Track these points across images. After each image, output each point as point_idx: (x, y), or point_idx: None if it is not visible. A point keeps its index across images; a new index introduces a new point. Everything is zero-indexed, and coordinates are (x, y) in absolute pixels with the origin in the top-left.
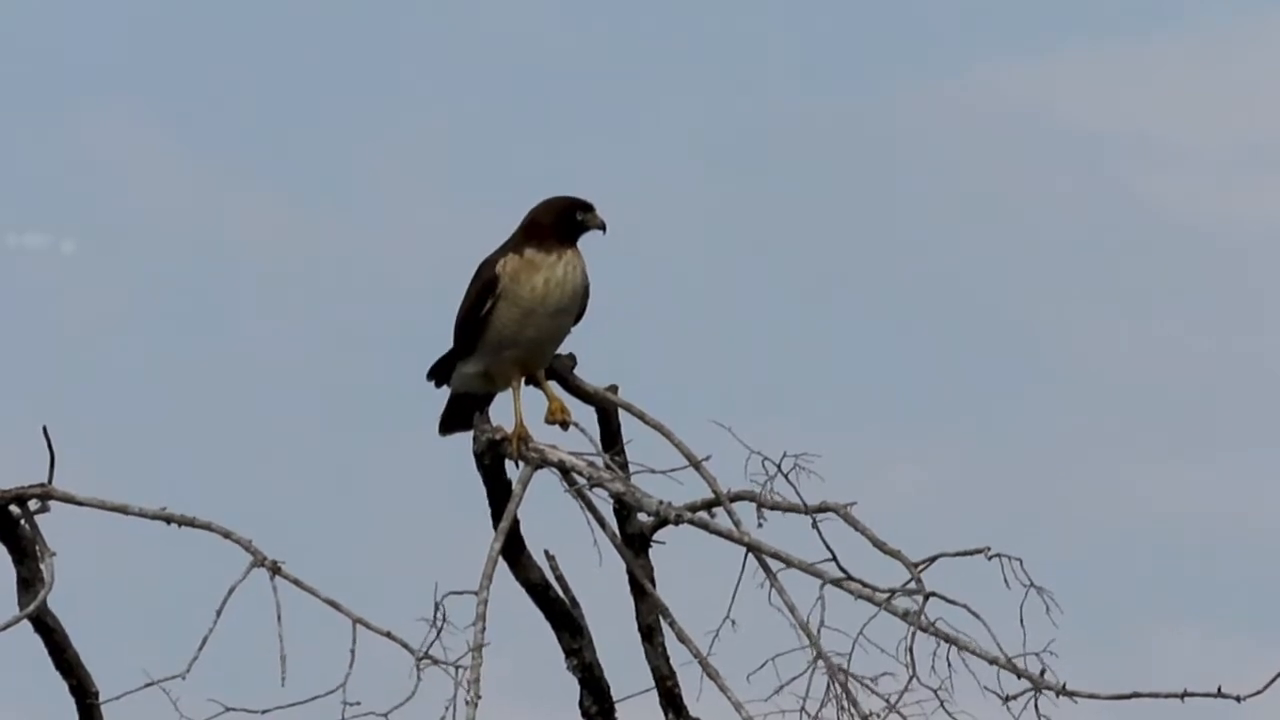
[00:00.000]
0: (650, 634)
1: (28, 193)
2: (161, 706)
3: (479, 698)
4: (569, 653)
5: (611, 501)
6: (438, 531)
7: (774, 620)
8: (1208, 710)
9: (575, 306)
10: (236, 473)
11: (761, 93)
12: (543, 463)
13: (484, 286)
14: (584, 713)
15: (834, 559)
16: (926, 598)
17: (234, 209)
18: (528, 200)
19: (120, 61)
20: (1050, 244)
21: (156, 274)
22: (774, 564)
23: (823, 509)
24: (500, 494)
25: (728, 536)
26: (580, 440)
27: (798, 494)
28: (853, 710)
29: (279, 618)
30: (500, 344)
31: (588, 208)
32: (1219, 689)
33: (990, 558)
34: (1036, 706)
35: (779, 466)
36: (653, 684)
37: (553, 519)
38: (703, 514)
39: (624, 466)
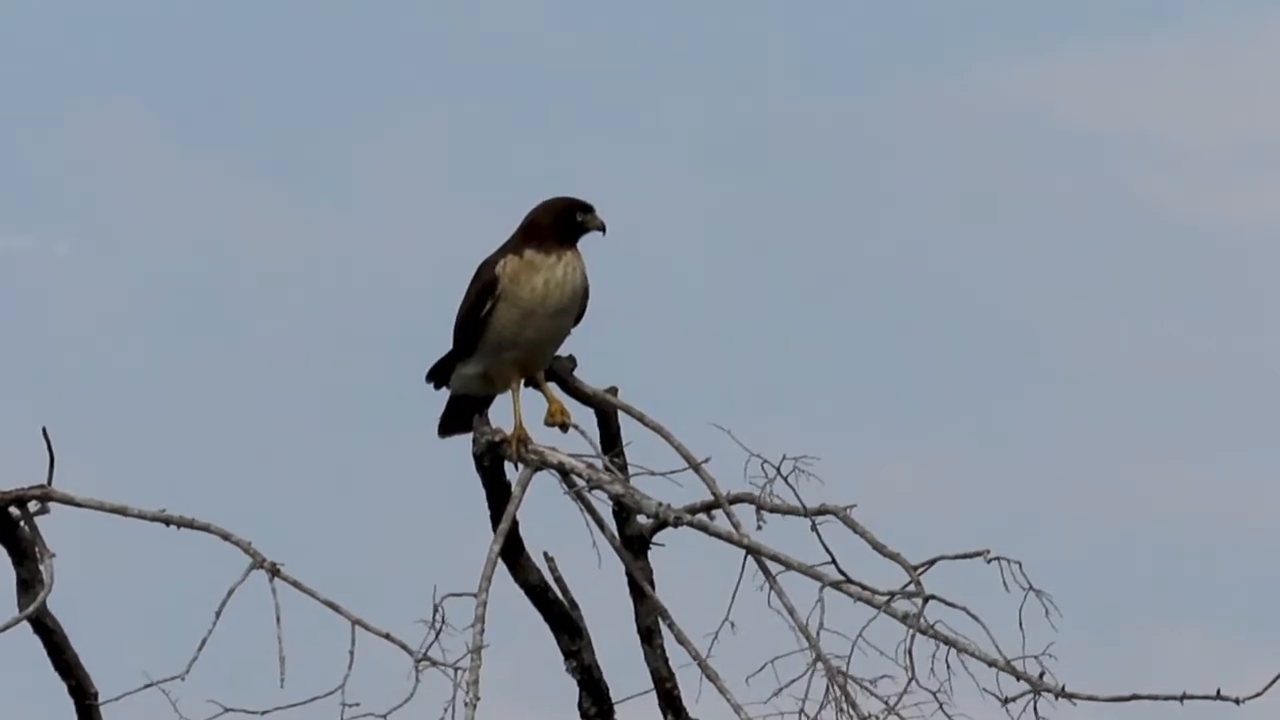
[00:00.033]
0: (649, 636)
1: (28, 193)
2: (161, 707)
3: (478, 699)
4: (568, 654)
5: (611, 503)
6: (437, 533)
7: (773, 622)
8: (1207, 712)
9: (575, 308)
10: (236, 474)
11: (761, 93)
12: (542, 465)
13: (484, 288)
14: (583, 714)
15: (833, 562)
16: (926, 600)
17: (234, 209)
18: (528, 200)
19: (120, 61)
20: (1050, 244)
21: (156, 274)
22: (773, 566)
23: (822, 511)
24: (499, 496)
25: (727, 539)
26: (580, 442)
27: (797, 497)
28: (852, 712)
29: (278, 619)
30: (500, 345)
31: (587, 209)
32: (1218, 691)
33: (990, 560)
34: (1035, 709)
35: (778, 470)
36: (652, 686)
37: (552, 521)
38: (702, 516)
39: (623, 468)
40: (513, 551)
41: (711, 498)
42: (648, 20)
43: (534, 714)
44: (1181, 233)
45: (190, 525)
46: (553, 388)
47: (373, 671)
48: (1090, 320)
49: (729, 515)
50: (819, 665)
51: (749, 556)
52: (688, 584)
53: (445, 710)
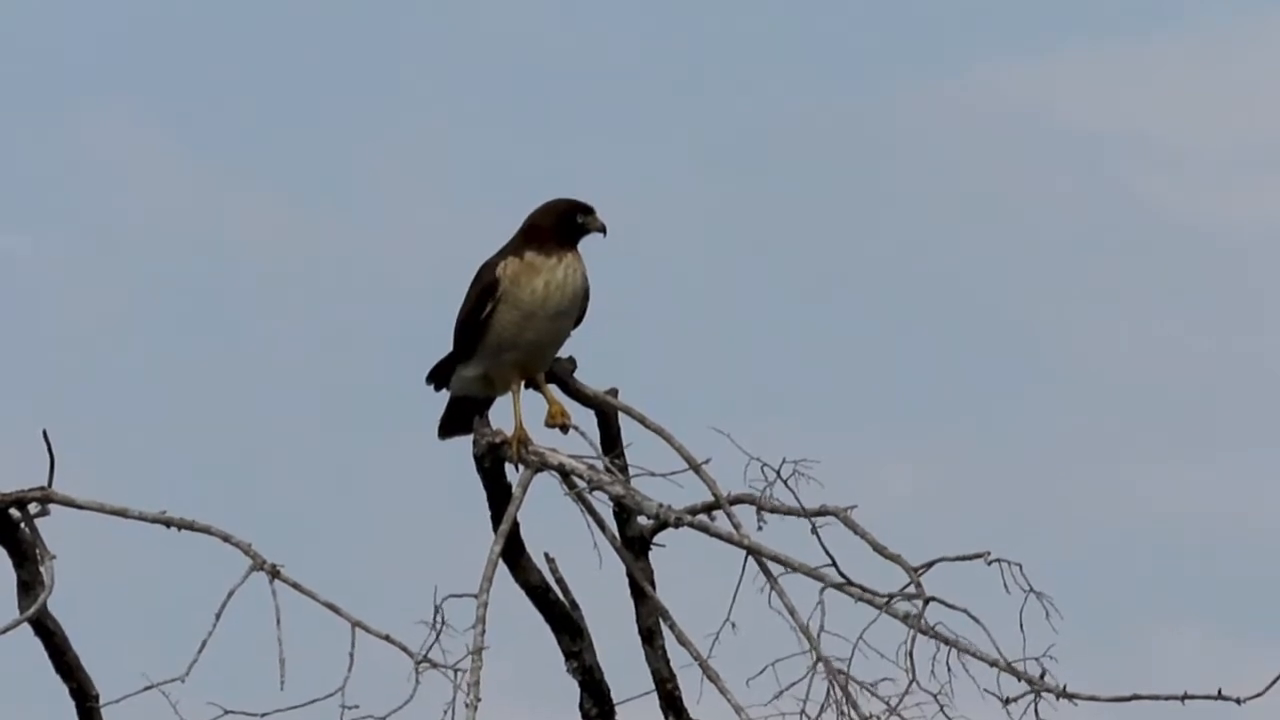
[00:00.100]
0: (650, 636)
1: (28, 192)
2: (161, 709)
3: (479, 700)
4: (569, 655)
5: (611, 504)
6: (437, 534)
7: (774, 623)
8: (1208, 712)
9: (575, 309)
10: (236, 475)
11: (761, 93)
12: (543, 466)
13: (484, 289)
14: (584, 715)
15: (834, 564)
16: (926, 602)
17: (234, 209)
18: (528, 200)
19: (120, 61)
20: (1050, 244)
21: (156, 274)
22: (774, 567)
23: (822, 512)
24: (500, 497)
25: (728, 539)
26: (580, 443)
27: (797, 499)
28: (853, 714)
29: (278, 621)
30: (500, 347)
31: (588, 210)
32: (1219, 691)
33: (990, 562)
34: (1036, 709)
35: (778, 473)
36: (653, 686)
37: (553, 522)
38: (703, 517)
39: (624, 469)
40: (513, 552)
41: (712, 499)
42: (648, 20)
43: (535, 715)
44: (1181, 233)
45: (191, 527)
46: (553, 389)
47: (373, 673)
48: (1090, 320)
49: (730, 516)
50: (820, 666)
51: (750, 557)
52: (689, 585)
53: (445, 712)
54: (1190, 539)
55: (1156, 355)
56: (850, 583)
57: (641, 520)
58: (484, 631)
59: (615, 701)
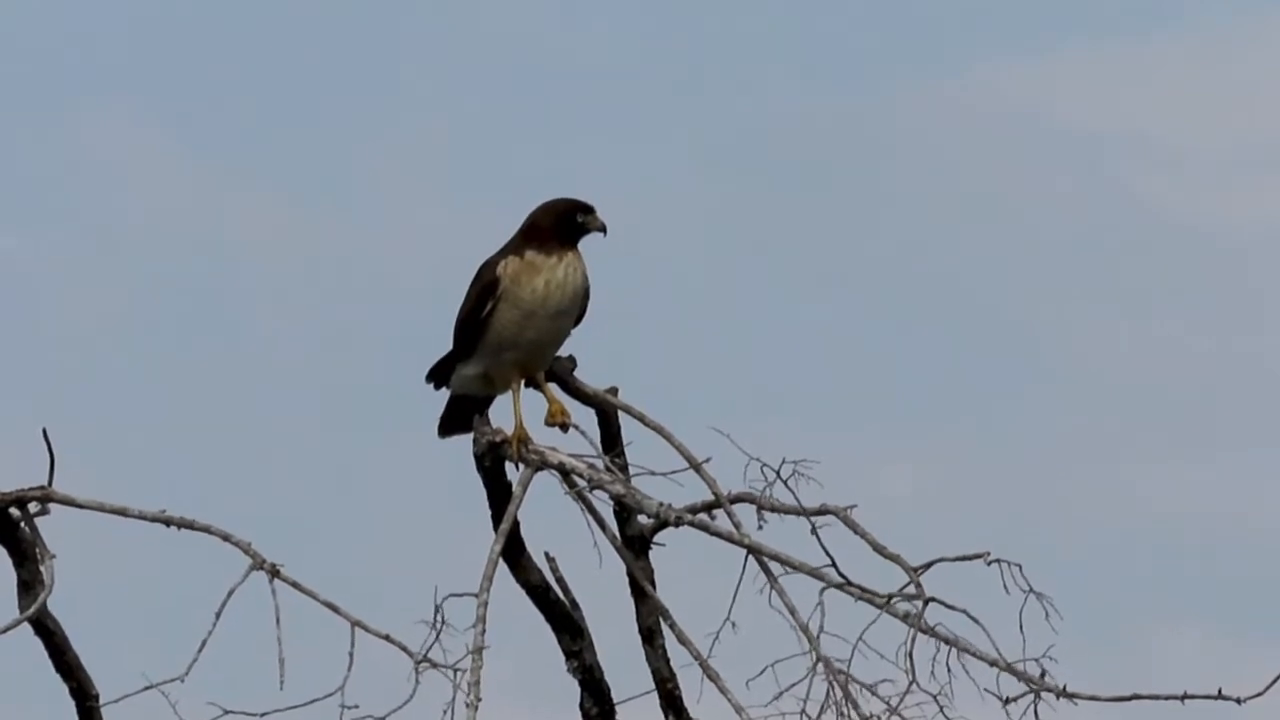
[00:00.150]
0: (650, 636)
1: (28, 193)
2: (161, 709)
3: (479, 700)
4: (569, 655)
5: (612, 503)
6: (437, 534)
7: (774, 622)
8: (1208, 712)
9: (576, 308)
10: (236, 474)
11: (761, 93)
12: (543, 465)
13: (484, 288)
14: (584, 714)
15: (833, 565)
16: (926, 602)
17: (234, 209)
18: (528, 200)
19: (120, 61)
20: (1050, 244)
21: (156, 274)
22: (774, 567)
23: (822, 512)
24: (500, 496)
25: (728, 538)
26: (580, 442)
27: (797, 500)
28: (853, 714)
29: (278, 620)
30: (500, 346)
31: (588, 210)
32: (1219, 691)
33: (990, 563)
34: (1036, 710)
35: (778, 473)
36: (653, 686)
37: (553, 521)
38: (703, 516)
39: (624, 468)
40: (514, 552)
41: (712, 498)
42: (648, 20)
43: (535, 714)
44: (1181, 233)
45: (190, 526)
46: (553, 388)
47: (373, 673)
48: (1090, 320)
49: (730, 515)
50: (820, 666)
51: (750, 557)
52: (689, 584)
53: (445, 712)
54: (1190, 539)
55: (1156, 355)
56: (850, 583)
57: (642, 519)
58: (484, 631)
59: (615, 701)
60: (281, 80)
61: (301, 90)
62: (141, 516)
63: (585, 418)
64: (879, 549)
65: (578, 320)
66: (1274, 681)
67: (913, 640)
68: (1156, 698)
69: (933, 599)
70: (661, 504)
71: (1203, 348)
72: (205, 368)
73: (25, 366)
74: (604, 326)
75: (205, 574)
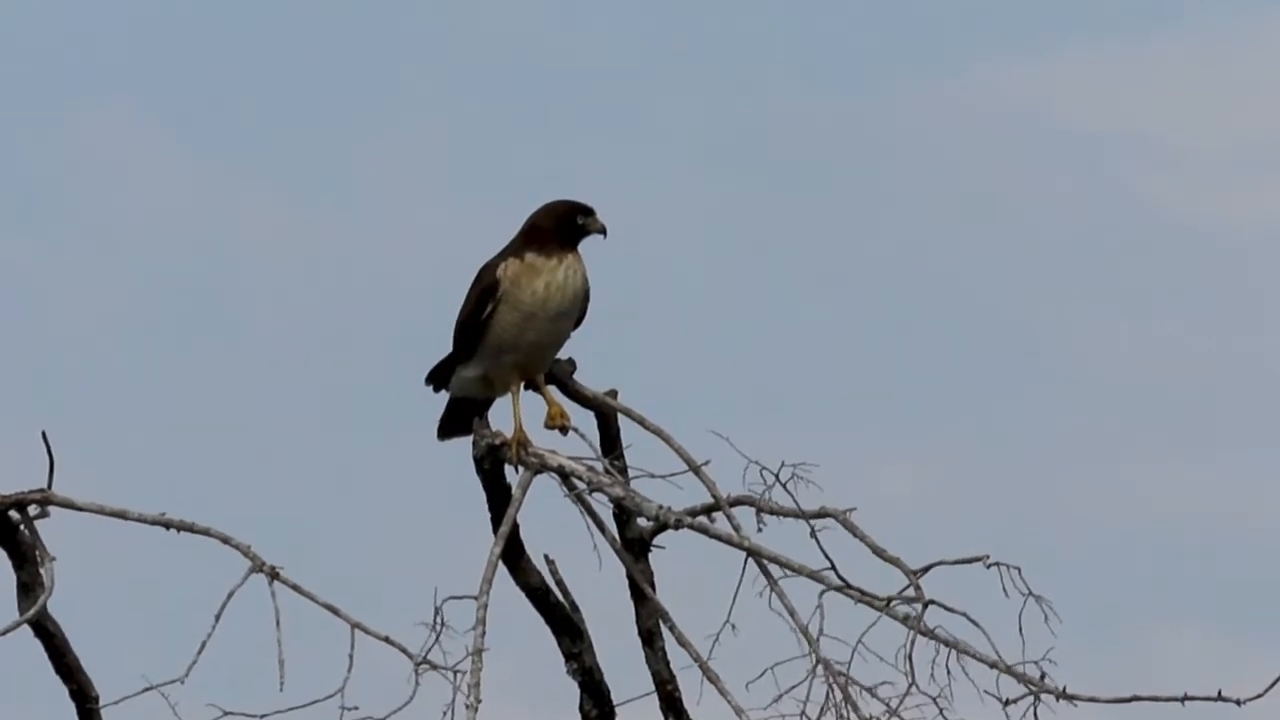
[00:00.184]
0: (650, 638)
1: (28, 193)
2: (161, 710)
3: (479, 701)
4: (569, 657)
5: (611, 506)
6: (437, 536)
7: (774, 624)
8: (1208, 713)
9: (575, 311)
10: (236, 476)
11: (761, 93)
12: (542, 467)
13: (484, 291)
14: (584, 717)
15: (833, 567)
16: (925, 605)
17: (234, 209)
18: (528, 201)
19: (120, 61)
20: (1050, 244)
21: (156, 274)
22: (774, 569)
23: (822, 514)
24: (500, 499)
25: (727, 541)
26: (580, 445)
27: (796, 503)
28: (853, 716)
29: (277, 622)
30: (500, 348)
31: (588, 212)
32: (1219, 693)
33: (989, 566)
34: (1036, 712)
35: (777, 476)
36: (653, 688)
37: (552, 523)
38: (702, 519)
39: (623, 471)
40: (513, 554)
41: (712, 500)
42: (648, 20)
43: (535, 716)
44: (1181, 233)
45: (190, 529)
46: (553, 390)
47: (372, 675)
48: (1090, 320)
49: (729, 518)
50: (820, 669)
51: (749, 559)
52: (688, 586)
53: (445, 713)
54: (1190, 539)
55: (1156, 355)
56: (850, 585)
57: (641, 522)
58: (484, 633)
59: (615, 703)
60: (281, 80)
61: (301, 90)
62: (141, 519)
63: (585, 420)
64: (878, 552)
65: (578, 322)
66: (1274, 683)
67: (912, 642)
68: (1156, 699)
69: (932, 601)
70: (661, 506)
71: (1203, 348)
72: (205, 368)
73: (25, 366)
74: (604, 329)
75: (205, 576)
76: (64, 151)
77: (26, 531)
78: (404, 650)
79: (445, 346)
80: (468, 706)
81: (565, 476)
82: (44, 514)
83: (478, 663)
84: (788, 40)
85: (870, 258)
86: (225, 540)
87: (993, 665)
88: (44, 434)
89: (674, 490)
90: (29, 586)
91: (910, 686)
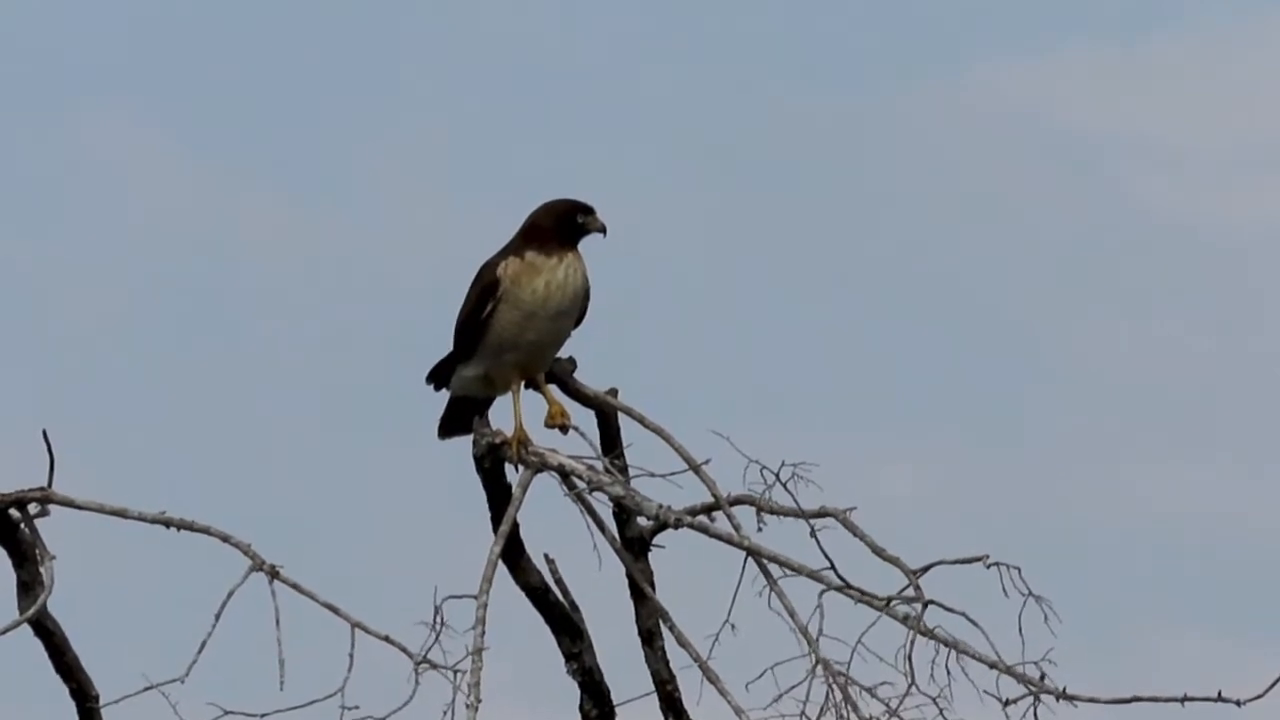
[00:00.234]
0: (650, 638)
1: (28, 193)
2: (161, 710)
3: (479, 701)
4: (569, 656)
5: (611, 505)
6: (437, 535)
7: (773, 624)
8: (1209, 713)
9: (576, 309)
10: (236, 475)
11: (761, 93)
12: (542, 466)
13: (485, 289)
14: (584, 716)
15: (833, 567)
16: (925, 605)
17: (234, 209)
18: (528, 200)
19: (120, 61)
20: (1050, 244)
21: (156, 274)
22: (774, 569)
23: (822, 514)
24: (500, 498)
25: (727, 540)
26: (580, 444)
27: (796, 502)
28: (852, 716)
29: (278, 621)
30: (501, 347)
31: (588, 210)
32: (1219, 693)
33: (989, 566)
34: (1036, 712)
35: (777, 475)
36: (653, 688)
37: (552, 523)
38: (702, 518)
39: (624, 470)
40: (513, 553)
41: (712, 499)
42: (648, 20)
43: (534, 716)
44: (1181, 233)
45: (190, 527)
46: (553, 389)
47: (372, 674)
48: (1090, 320)
49: (729, 517)
50: (820, 669)
51: (749, 559)
52: (688, 586)
53: (445, 713)
54: (1190, 539)
55: (1156, 355)
56: (849, 585)
57: (641, 521)
58: (484, 632)
59: (615, 703)
60: (281, 80)
61: (301, 90)
62: (141, 518)
63: (585, 419)
64: (878, 551)
65: (578, 321)
66: (1274, 684)
67: (912, 642)
68: (1156, 700)
69: (932, 601)
70: (661, 506)
71: (1203, 348)
72: (205, 368)
73: (25, 366)
74: (604, 328)
75: (205, 575)
76: (64, 151)
77: (26, 530)
78: (404, 650)
79: (445, 346)
80: (468, 706)
81: (565, 475)
82: (44, 512)
83: (478, 662)
84: (788, 40)
85: (870, 258)
86: (225, 539)
87: (992, 665)
88: (44, 432)
89: (674, 489)
90: (29, 585)
91: (910, 687)
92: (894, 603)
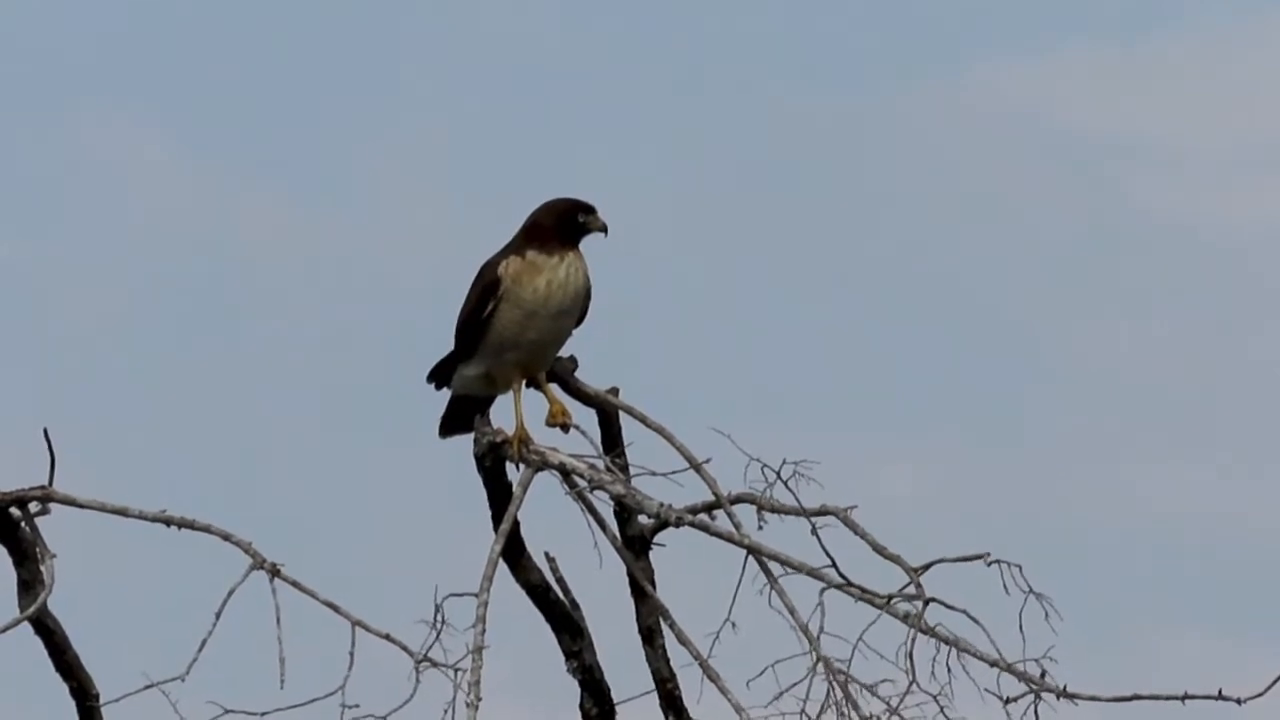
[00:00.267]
0: (651, 636)
1: (28, 193)
2: (161, 708)
3: (479, 699)
4: (569, 655)
5: (612, 504)
6: (438, 534)
7: (774, 623)
8: (1209, 712)
9: (577, 308)
10: (236, 474)
11: (761, 93)
12: (543, 465)
13: (486, 288)
14: (584, 715)
15: (833, 565)
16: (926, 603)
17: (234, 209)
18: (528, 200)
19: (120, 62)
20: (1050, 244)
21: (156, 274)
22: (774, 567)
23: (823, 512)
24: (501, 496)
25: (728, 539)
26: (581, 443)
27: (797, 500)
28: (853, 714)
29: (278, 620)
30: (502, 346)
31: (589, 210)
32: (1220, 691)
33: (990, 564)
34: (1036, 710)
35: (778, 474)
36: (653, 686)
37: (553, 521)
38: (703, 516)
39: (624, 469)
40: (514, 552)
41: (713, 498)
42: (648, 20)
43: (535, 714)
44: (1181, 233)
45: (191, 526)
46: (554, 388)
47: (373, 672)
48: (1090, 320)
49: (730, 516)
50: (820, 667)
51: (750, 557)
52: (689, 584)
53: (446, 711)
54: (1190, 539)
55: (1156, 355)
56: (850, 583)
57: (642, 519)
58: (484, 631)
59: (615, 701)
60: (281, 80)
61: (301, 90)
62: (142, 516)
63: (586, 418)
64: (879, 549)
65: (579, 320)
66: (1274, 682)
67: (913, 640)
68: (1157, 698)
69: (933, 599)
70: (662, 504)
71: (1203, 348)
72: (205, 368)
73: (25, 366)
74: (605, 326)
75: (205, 573)
76: (64, 152)
77: (27, 528)
78: (404, 648)
79: (446, 346)
80: (468, 704)
81: (566, 474)
82: (45, 511)
83: (478, 660)
84: (788, 40)
85: (870, 258)
86: (226, 537)
87: (993, 663)
88: (45, 431)
89: (675, 488)
90: (29, 583)
91: (911, 684)
92: (895, 600)
